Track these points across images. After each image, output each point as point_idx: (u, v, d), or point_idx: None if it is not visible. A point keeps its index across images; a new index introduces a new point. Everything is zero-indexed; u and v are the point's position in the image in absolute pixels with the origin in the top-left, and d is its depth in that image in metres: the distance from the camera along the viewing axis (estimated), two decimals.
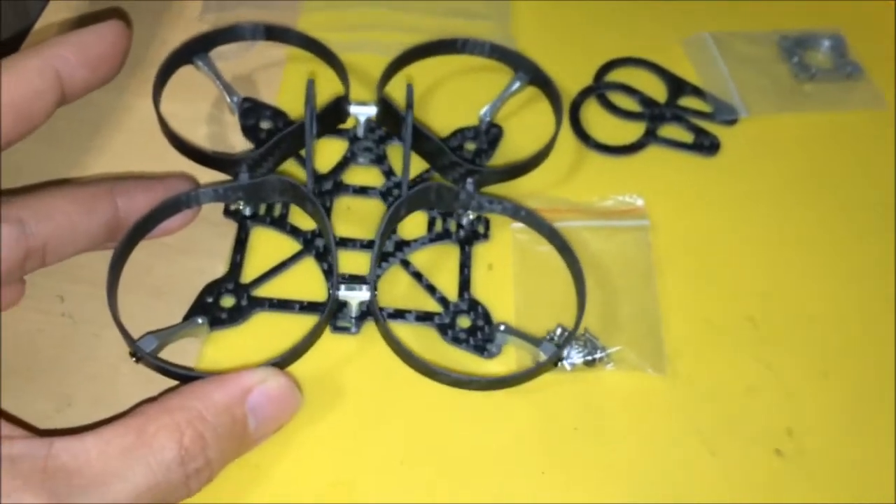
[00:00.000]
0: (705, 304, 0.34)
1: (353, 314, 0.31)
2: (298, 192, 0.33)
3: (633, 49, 0.42)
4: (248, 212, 0.34)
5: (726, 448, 0.30)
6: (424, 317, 0.32)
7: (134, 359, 0.29)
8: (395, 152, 0.37)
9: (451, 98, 0.39)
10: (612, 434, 0.30)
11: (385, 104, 0.36)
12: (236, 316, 0.31)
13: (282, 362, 0.29)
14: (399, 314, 0.32)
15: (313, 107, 0.33)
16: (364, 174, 0.36)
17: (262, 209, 0.34)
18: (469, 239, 0.34)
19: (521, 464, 0.29)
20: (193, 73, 0.37)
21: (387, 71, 0.37)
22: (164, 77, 0.35)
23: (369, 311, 0.31)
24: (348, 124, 0.37)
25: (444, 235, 0.34)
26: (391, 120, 0.36)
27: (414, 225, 0.34)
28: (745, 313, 0.33)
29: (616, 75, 0.41)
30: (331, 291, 0.31)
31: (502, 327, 0.31)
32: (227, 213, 0.34)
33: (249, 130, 0.36)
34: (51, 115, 0.29)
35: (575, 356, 0.31)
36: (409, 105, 0.33)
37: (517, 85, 0.38)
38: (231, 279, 0.32)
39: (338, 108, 0.36)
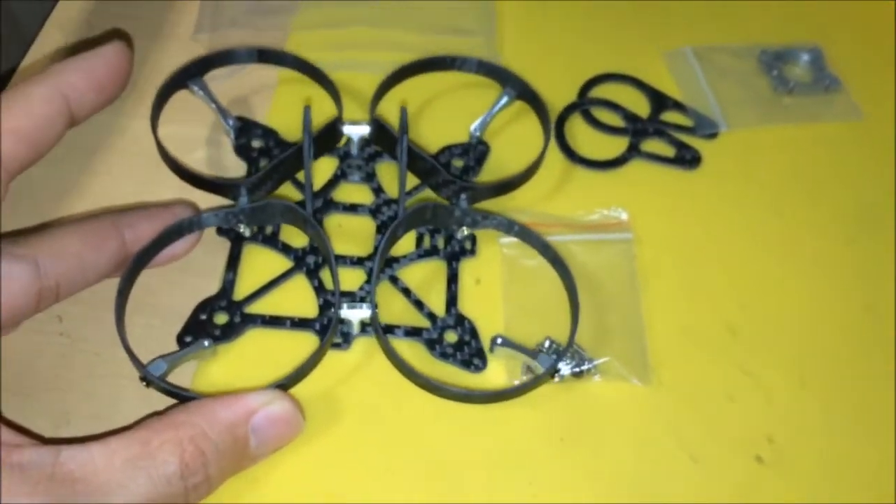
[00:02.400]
0: (687, 314, 0.34)
1: (355, 332, 0.32)
2: (298, 215, 0.34)
3: (617, 64, 0.42)
4: (248, 234, 0.34)
5: (708, 455, 0.31)
6: (413, 332, 0.32)
7: (144, 383, 0.30)
8: (384, 170, 0.37)
9: (441, 114, 0.40)
10: (597, 444, 0.31)
11: (378, 125, 0.37)
12: (229, 332, 0.32)
13: (287, 383, 0.30)
14: (388, 329, 0.32)
15: (311, 132, 0.33)
16: (354, 192, 0.37)
17: (256, 228, 0.35)
18: (457, 255, 0.35)
19: (509, 475, 0.30)
20: (189, 96, 0.37)
21: (379, 90, 0.38)
22: (161, 103, 0.36)
23: (366, 329, 0.32)
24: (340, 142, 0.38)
25: (432, 252, 0.35)
26: (385, 139, 0.37)
27: (402, 241, 0.35)
28: (725, 322, 0.34)
29: (600, 91, 0.42)
30: (334, 310, 0.31)
31: (499, 340, 0.32)
32: (220, 231, 0.35)
33: (241, 149, 0.37)
34: (60, 139, 0.30)
35: (563, 368, 0.32)
36: (404, 129, 0.33)
37: (505, 100, 0.39)
38: (224, 296, 0.33)
39: (333, 130, 0.37)
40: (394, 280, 0.34)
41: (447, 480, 0.30)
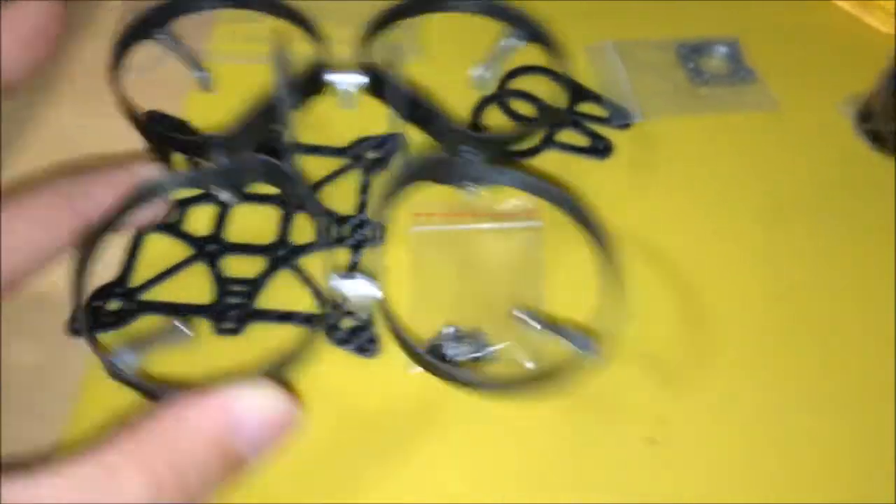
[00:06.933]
0: (592, 299, 0.34)
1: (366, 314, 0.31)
2: (281, 173, 0.31)
3: (539, 58, 0.43)
4: (223, 197, 0.32)
5: (600, 436, 0.31)
6: (311, 318, 0.32)
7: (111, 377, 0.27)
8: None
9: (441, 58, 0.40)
10: (486, 428, 0.31)
11: (373, 72, 0.33)
12: (121, 319, 0.31)
13: (274, 372, 0.27)
14: (287, 316, 0.32)
15: (287, 71, 0.30)
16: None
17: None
18: (362, 243, 0.35)
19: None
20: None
21: (367, 32, 0.35)
22: (120, 55, 0.33)
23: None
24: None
25: (338, 241, 0.35)
26: (379, 86, 0.34)
27: (305, 229, 0.35)
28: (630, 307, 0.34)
29: (520, 83, 0.42)
30: (330, 283, 0.29)
31: (519, 314, 0.31)
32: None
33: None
34: None
35: (462, 354, 0.32)
36: (396, 68, 0.31)
37: (514, 41, 0.36)
38: (120, 284, 0.32)
39: (314, 78, 0.33)
40: (296, 269, 0.34)
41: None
